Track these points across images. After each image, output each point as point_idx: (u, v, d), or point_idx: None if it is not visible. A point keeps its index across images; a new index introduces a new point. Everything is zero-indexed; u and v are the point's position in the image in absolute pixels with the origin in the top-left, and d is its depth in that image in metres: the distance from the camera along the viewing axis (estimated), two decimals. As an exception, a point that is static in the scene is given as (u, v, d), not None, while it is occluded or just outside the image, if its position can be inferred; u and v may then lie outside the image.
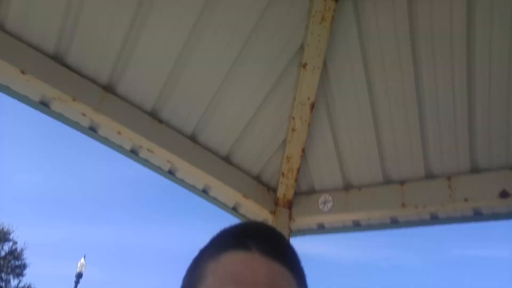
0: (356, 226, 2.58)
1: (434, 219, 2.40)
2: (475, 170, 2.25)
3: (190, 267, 0.54)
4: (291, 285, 0.49)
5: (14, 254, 22.93)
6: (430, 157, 2.33)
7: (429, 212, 2.36)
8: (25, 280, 23.23)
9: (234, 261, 0.47)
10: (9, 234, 22.84)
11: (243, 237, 0.49)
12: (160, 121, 2.24)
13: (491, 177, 2.18)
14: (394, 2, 2.01)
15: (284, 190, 2.48)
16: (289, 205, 2.51)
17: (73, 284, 22.45)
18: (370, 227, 2.56)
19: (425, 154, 2.32)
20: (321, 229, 2.67)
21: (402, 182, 2.38)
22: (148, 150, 2.24)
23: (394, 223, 2.50)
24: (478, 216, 2.32)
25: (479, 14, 1.92)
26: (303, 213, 2.54)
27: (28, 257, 23.59)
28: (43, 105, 2.05)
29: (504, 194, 2.09)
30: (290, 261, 0.50)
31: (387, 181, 2.44)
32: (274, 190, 2.56)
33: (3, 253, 22.57)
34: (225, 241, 0.50)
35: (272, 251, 0.48)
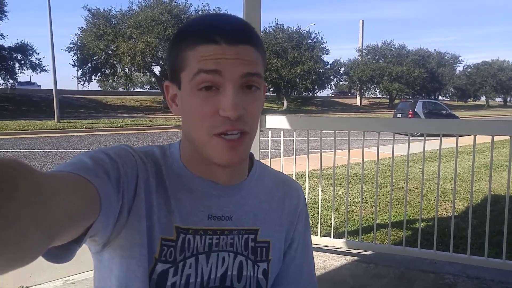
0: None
1: None
2: None
3: (173, 53, 0.65)
4: (254, 57, 0.62)
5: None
6: None
7: None
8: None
9: (208, 50, 0.60)
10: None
11: (212, 33, 0.60)
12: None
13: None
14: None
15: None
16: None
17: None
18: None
19: None
20: None
21: None
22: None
23: None
24: None
25: None
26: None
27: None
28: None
29: None
30: (254, 42, 0.62)
31: None
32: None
33: None
34: (198, 36, 0.61)
35: (238, 40, 0.60)
